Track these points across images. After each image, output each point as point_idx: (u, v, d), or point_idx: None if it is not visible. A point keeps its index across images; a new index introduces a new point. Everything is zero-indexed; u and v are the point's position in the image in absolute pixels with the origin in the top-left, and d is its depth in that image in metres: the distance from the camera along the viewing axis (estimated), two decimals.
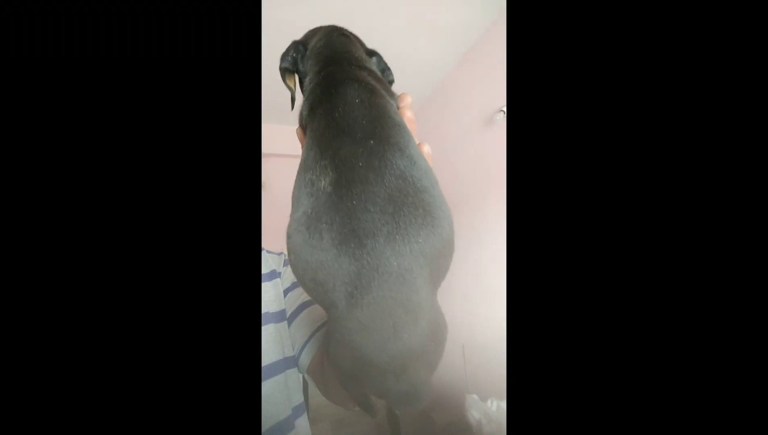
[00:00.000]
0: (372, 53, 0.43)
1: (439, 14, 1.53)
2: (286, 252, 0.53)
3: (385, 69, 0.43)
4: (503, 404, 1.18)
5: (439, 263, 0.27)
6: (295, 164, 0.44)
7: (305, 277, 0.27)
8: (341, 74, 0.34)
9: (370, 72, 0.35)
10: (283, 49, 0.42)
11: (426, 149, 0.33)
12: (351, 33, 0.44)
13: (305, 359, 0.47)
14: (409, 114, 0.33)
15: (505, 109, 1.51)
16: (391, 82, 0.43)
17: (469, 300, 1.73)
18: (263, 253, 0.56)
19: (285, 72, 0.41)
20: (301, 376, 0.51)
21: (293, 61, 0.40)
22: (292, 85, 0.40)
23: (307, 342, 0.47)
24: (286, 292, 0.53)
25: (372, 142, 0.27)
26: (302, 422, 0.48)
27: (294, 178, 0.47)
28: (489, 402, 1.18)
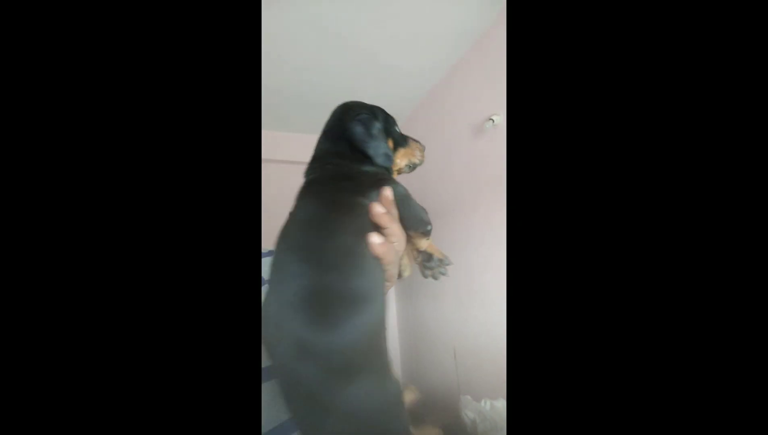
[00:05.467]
0: (374, 113, 0.54)
1: (429, 25, 1.58)
2: None
3: (391, 125, 0.55)
4: (497, 403, 1.21)
5: None
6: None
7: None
8: (309, 186, 0.45)
9: (348, 172, 0.45)
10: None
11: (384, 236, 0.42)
12: (355, 106, 0.55)
13: None
14: (377, 210, 0.40)
15: (494, 118, 1.56)
16: (397, 139, 0.56)
17: (461, 304, 1.77)
18: None
19: None
20: None
21: None
22: None
23: None
24: None
25: (301, 260, 0.36)
26: None
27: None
28: (483, 402, 1.21)
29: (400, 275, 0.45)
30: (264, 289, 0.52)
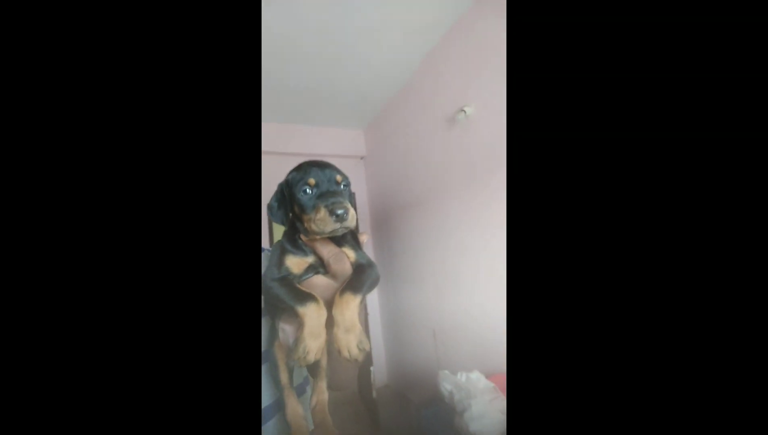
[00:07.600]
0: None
1: (403, 16, 1.57)
2: None
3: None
4: (472, 375, 1.17)
5: None
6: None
7: None
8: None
9: None
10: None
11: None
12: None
13: None
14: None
15: (466, 109, 1.54)
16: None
17: (439, 288, 1.79)
18: None
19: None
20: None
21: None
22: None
23: None
24: None
25: None
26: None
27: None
28: (459, 374, 1.18)
29: None
30: None
